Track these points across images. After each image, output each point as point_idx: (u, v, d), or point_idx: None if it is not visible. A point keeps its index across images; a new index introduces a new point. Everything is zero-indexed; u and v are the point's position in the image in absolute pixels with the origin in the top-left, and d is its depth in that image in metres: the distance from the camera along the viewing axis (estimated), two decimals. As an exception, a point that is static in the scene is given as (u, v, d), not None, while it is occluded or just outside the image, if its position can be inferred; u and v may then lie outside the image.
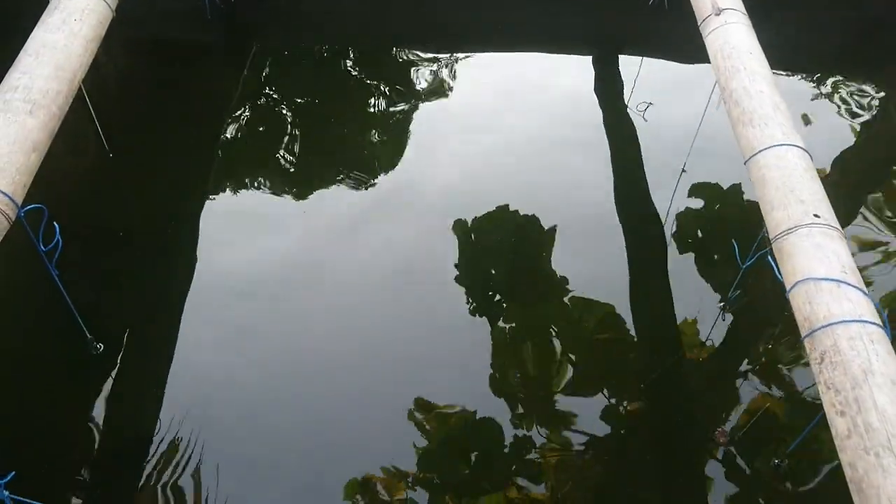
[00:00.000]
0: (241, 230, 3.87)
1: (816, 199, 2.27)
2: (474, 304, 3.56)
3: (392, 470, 2.97)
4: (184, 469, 2.89)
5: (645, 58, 4.99)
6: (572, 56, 5.25)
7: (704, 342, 3.14)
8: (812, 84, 4.95)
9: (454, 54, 5.25)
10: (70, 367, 2.93)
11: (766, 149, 2.45)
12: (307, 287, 3.56)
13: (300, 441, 2.99)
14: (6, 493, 2.02)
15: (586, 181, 4.27)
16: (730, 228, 3.63)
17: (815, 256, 2.10)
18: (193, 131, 4.31)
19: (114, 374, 2.98)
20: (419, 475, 2.94)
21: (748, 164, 2.50)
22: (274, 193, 4.15)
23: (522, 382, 3.27)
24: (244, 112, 4.70)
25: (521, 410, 3.15)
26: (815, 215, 2.20)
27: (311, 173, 4.29)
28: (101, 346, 2.86)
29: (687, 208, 3.89)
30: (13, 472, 1.94)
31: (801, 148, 2.45)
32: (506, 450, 3.01)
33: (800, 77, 5.02)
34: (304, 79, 5.04)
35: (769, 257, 2.26)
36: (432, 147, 4.56)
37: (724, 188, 3.88)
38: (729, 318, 3.14)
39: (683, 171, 3.84)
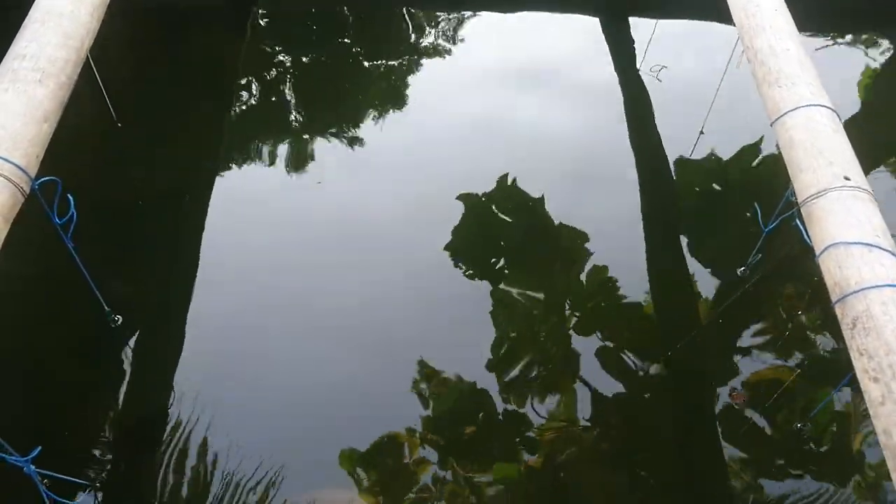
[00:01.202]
0: (251, 196, 3.83)
1: (846, 161, 2.21)
2: (479, 272, 3.53)
3: (404, 435, 2.99)
4: (198, 436, 2.90)
5: (659, 20, 4.88)
6: (580, 16, 5.14)
7: (724, 306, 3.12)
8: (839, 42, 4.83)
9: (459, 13, 5.13)
10: (89, 339, 2.93)
11: (793, 109, 2.38)
12: (318, 253, 3.54)
13: (314, 412, 2.99)
14: (32, 467, 2.03)
15: (598, 145, 4.20)
16: (750, 191, 3.58)
17: (846, 220, 2.05)
18: (200, 97, 4.24)
19: (132, 344, 2.98)
20: (430, 439, 2.95)
21: (774, 126, 2.44)
22: (283, 159, 4.11)
23: (533, 350, 3.26)
24: (250, 76, 4.62)
25: (535, 380, 3.16)
26: (846, 177, 2.15)
27: (318, 138, 4.24)
28: (119, 319, 2.85)
29: (705, 171, 3.83)
30: (39, 448, 1.94)
31: (829, 108, 2.39)
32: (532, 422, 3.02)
33: (826, 35, 4.89)
34: (307, 41, 4.95)
35: (797, 221, 2.22)
36: (436, 109, 4.49)
37: (743, 150, 3.82)
38: (749, 281, 3.11)
39: (701, 132, 3.77)
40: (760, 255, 2.87)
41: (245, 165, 4.04)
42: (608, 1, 5.03)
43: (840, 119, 2.40)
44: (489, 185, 3.82)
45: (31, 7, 2.61)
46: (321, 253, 3.54)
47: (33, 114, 2.24)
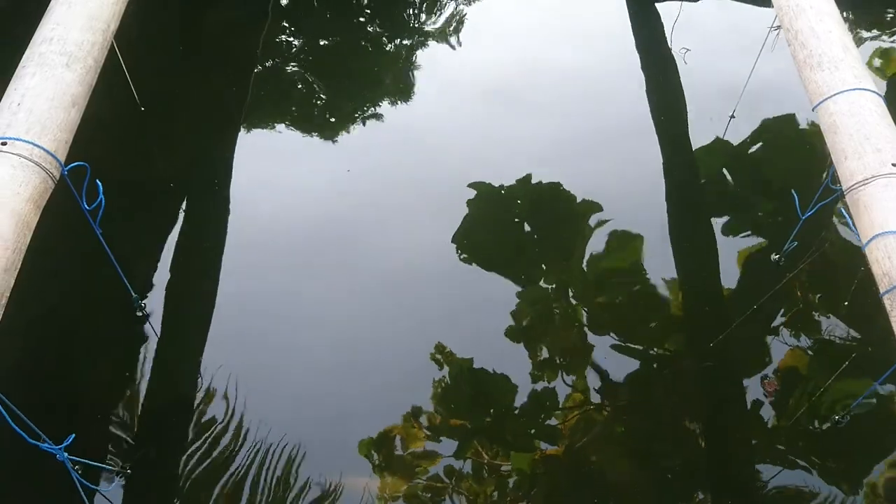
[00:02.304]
0: (271, 176, 3.80)
1: (894, 148, 2.15)
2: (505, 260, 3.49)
3: (418, 420, 2.97)
4: (225, 420, 2.90)
5: (685, 1, 4.78)
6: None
7: (766, 296, 3.05)
8: (883, 24, 4.69)
9: None
10: (116, 325, 2.92)
11: (837, 94, 2.31)
12: (338, 239, 3.51)
13: (336, 394, 2.98)
14: (65, 454, 2.02)
15: (622, 129, 4.12)
16: (785, 177, 3.51)
17: (895, 209, 2.00)
18: (220, 78, 4.21)
19: (158, 330, 2.97)
20: (449, 425, 2.94)
21: (817, 110, 2.36)
22: (303, 138, 4.08)
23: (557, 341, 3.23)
24: (271, 57, 4.58)
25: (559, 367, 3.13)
26: (894, 164, 2.09)
27: (339, 120, 4.20)
28: (145, 305, 2.84)
29: (736, 155, 3.75)
30: (73, 435, 1.93)
31: (874, 92, 2.31)
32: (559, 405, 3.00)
33: (869, 16, 4.76)
34: (326, 21, 4.90)
35: (841, 209, 2.16)
36: (456, 90, 4.42)
37: (777, 135, 3.73)
38: (784, 269, 3.05)
39: (732, 116, 3.69)
40: (796, 243, 2.80)
41: (263, 142, 4.02)
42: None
43: (886, 103, 2.33)
44: (507, 171, 3.78)
45: (55, -11, 2.58)
46: (342, 237, 3.51)
47: (61, 98, 2.21)
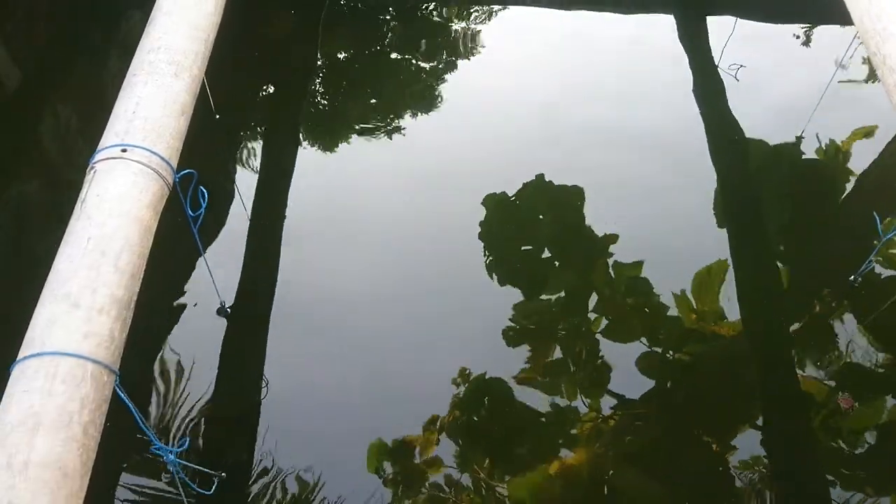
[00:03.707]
0: (328, 185, 3.87)
1: None
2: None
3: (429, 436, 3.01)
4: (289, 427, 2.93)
5: (738, 18, 4.80)
6: (653, 14, 5.08)
7: (829, 313, 3.07)
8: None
9: (513, 6, 5.08)
10: (205, 330, 2.96)
11: (932, 119, 2.34)
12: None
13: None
14: (172, 456, 2.05)
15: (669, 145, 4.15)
16: (858, 198, 3.52)
17: None
18: (282, 86, 4.29)
19: (242, 334, 3.01)
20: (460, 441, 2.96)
21: (911, 135, 2.39)
22: (358, 146, 4.15)
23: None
24: (324, 65, 4.64)
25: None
26: None
27: (391, 125, 4.26)
28: (229, 310, 2.87)
29: (802, 174, 3.76)
30: (187, 439, 1.96)
31: (970, 118, 2.34)
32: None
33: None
34: (374, 30, 4.96)
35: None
36: (494, 106, 4.47)
37: (846, 157, 3.74)
38: (858, 290, 3.07)
39: (800, 138, 3.71)
40: (874, 264, 2.82)
41: (320, 152, 4.08)
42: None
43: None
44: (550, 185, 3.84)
45: (154, -1, 2.63)
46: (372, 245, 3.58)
47: (172, 107, 2.25)
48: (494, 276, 3.44)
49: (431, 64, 4.74)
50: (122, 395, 1.64)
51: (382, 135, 4.28)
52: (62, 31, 3.99)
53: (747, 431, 2.96)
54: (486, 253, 3.52)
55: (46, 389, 1.54)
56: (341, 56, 4.78)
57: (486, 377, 3.08)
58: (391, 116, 4.40)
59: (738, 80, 4.47)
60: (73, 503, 1.47)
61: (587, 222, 3.72)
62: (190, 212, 2.27)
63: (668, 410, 3.00)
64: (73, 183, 3.48)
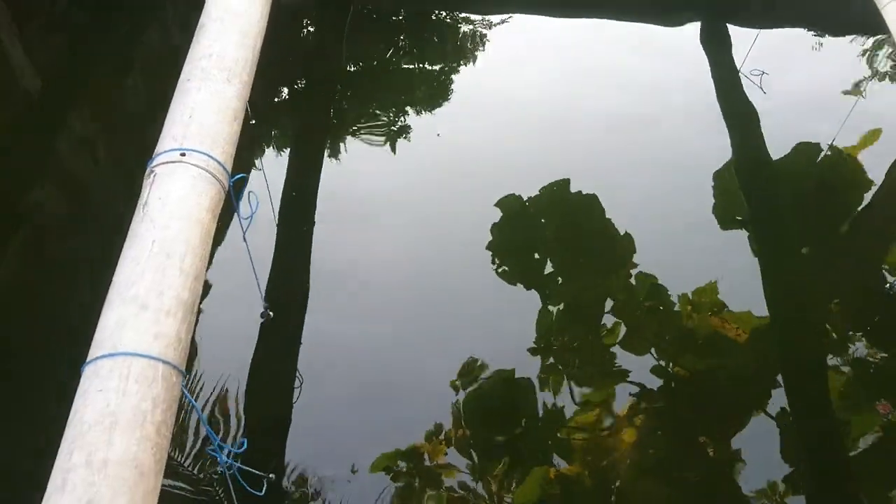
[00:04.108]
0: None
1: None
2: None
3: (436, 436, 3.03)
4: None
5: (761, 29, 4.83)
6: (676, 20, 5.11)
7: (866, 326, 3.08)
8: None
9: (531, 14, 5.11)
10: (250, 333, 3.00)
11: (976, 128, 2.36)
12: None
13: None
14: (225, 459, 2.07)
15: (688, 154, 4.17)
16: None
17: None
18: (311, 90, 4.35)
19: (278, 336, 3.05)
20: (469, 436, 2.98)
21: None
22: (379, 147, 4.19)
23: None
24: (351, 71, 4.70)
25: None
26: None
27: (415, 128, 4.30)
28: (271, 315, 2.90)
29: (826, 182, 3.79)
30: (244, 441, 1.99)
31: None
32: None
33: None
34: (398, 38, 5.01)
35: None
36: (517, 113, 4.51)
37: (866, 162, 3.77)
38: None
39: (831, 145, 3.73)
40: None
41: (346, 155, 4.12)
42: (708, 8, 5.01)
43: None
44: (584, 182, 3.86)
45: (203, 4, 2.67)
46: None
47: (225, 112, 2.29)
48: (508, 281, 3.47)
49: (460, 67, 4.80)
50: (188, 396, 1.67)
51: (407, 133, 4.34)
52: (82, 40, 4.05)
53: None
54: (496, 260, 3.56)
55: (121, 389, 1.57)
56: (367, 60, 4.84)
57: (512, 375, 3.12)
58: (419, 112, 4.46)
59: (762, 90, 4.51)
60: (150, 501, 1.49)
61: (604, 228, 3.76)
62: (241, 215, 2.31)
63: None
64: (90, 189, 3.54)
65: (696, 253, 3.65)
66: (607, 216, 3.74)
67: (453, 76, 4.71)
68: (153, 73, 4.14)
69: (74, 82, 3.90)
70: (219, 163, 2.13)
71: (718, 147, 4.10)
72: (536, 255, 3.66)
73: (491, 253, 3.62)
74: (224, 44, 2.46)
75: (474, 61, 4.86)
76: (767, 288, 3.36)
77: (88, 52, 4.05)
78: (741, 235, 3.71)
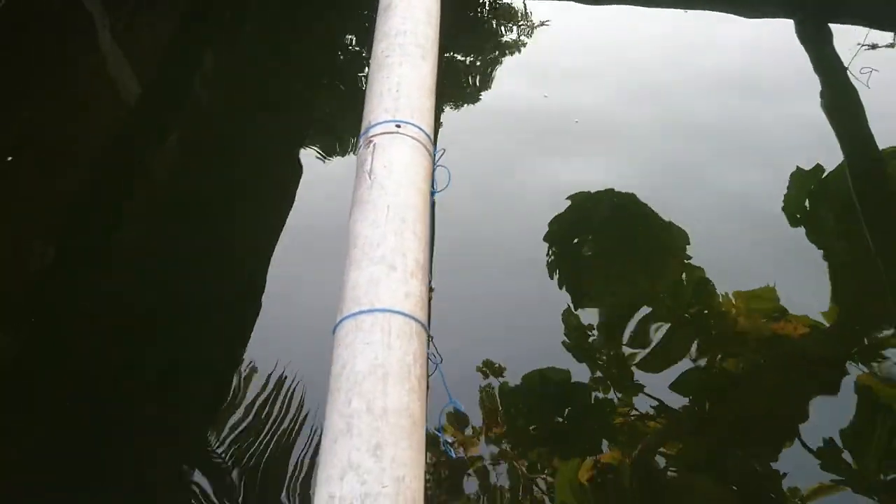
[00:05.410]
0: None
1: None
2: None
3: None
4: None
5: (871, 29, 4.75)
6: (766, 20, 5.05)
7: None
8: None
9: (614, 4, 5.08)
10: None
11: None
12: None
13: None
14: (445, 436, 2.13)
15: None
16: None
17: None
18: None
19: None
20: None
21: None
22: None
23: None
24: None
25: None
26: None
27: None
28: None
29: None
30: (457, 401, 2.05)
31: None
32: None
33: None
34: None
35: None
36: (591, 106, 4.47)
37: None
38: None
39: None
40: None
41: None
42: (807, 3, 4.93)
43: None
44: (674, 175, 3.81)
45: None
46: None
47: (423, 88, 2.36)
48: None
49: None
50: (437, 355, 1.73)
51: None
52: (181, 52, 4.16)
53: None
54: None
55: (386, 343, 1.64)
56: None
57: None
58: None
59: (868, 88, 4.44)
60: (422, 449, 1.56)
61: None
62: (435, 189, 2.38)
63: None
64: (174, 201, 3.47)
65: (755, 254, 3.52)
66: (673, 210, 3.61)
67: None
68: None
69: (171, 92, 4.00)
70: (427, 135, 2.20)
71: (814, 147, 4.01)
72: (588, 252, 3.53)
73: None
74: (415, 22, 2.53)
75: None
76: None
77: (185, 63, 4.14)
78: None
